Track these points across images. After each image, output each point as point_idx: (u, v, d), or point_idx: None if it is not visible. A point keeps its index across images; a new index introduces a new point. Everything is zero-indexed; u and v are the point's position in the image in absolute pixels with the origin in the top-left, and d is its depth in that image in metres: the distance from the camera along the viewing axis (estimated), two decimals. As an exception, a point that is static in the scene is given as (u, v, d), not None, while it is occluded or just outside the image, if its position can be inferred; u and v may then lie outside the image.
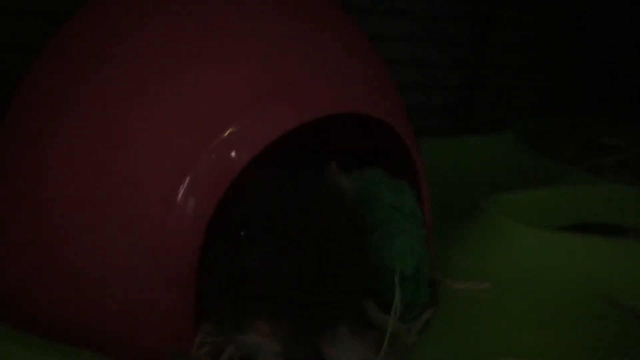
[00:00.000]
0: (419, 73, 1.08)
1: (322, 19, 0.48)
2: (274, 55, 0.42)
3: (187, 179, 0.38)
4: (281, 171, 0.41)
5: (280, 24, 0.45)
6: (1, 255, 0.42)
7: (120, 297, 0.39)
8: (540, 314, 0.54)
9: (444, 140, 0.98)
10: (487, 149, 0.98)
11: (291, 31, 0.45)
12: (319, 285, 0.37)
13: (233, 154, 0.39)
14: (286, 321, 0.35)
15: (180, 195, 0.38)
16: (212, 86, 0.40)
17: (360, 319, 0.47)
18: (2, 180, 0.43)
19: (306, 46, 0.45)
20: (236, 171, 0.39)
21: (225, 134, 0.39)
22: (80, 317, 0.39)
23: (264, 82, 0.41)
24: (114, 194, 0.39)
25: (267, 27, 0.44)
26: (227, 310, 0.37)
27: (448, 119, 1.15)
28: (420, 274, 0.48)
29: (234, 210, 0.38)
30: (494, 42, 1.13)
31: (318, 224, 0.38)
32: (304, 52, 0.44)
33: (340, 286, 0.39)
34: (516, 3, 1.13)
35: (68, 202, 0.39)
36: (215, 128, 0.39)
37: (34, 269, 0.40)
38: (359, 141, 0.54)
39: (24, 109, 0.44)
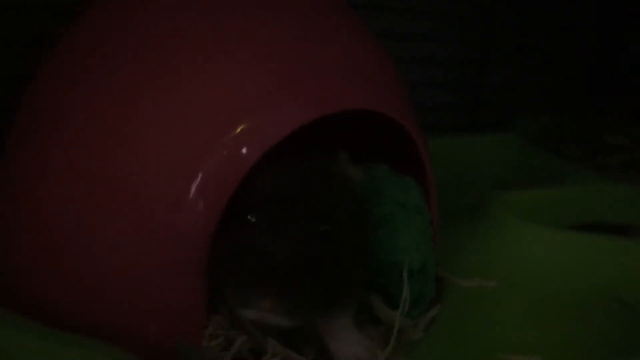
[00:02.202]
0: (424, 70, 1.08)
1: (330, 17, 0.49)
2: (283, 53, 0.43)
3: (199, 176, 0.38)
4: (290, 157, 0.42)
5: (290, 22, 0.45)
6: (15, 249, 0.42)
7: (131, 291, 0.39)
8: (546, 312, 0.54)
9: (450, 139, 0.99)
10: (492, 147, 0.98)
11: (300, 29, 0.45)
12: (323, 267, 0.38)
13: (244, 150, 0.39)
14: (293, 299, 0.36)
15: (191, 192, 0.38)
16: (222, 84, 0.41)
17: (366, 314, 0.47)
18: (16, 177, 0.43)
19: (315, 44, 0.45)
20: (247, 168, 0.39)
21: (236, 131, 0.39)
22: (91, 312, 0.40)
23: (274, 79, 0.41)
24: (125, 190, 0.39)
25: (276, 24, 0.44)
26: (236, 289, 0.37)
27: (454, 117, 1.15)
28: (426, 269, 0.48)
29: (242, 192, 0.39)
30: (499, 40, 1.12)
31: (324, 207, 0.39)
32: (313, 50, 0.44)
33: (344, 270, 0.40)
34: (521, 1, 1.12)
35: (79, 198, 0.40)
36: (226, 125, 0.39)
37: (46, 264, 0.40)
38: (367, 138, 0.54)
39: (35, 106, 0.44)
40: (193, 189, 0.38)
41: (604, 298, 0.56)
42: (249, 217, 0.38)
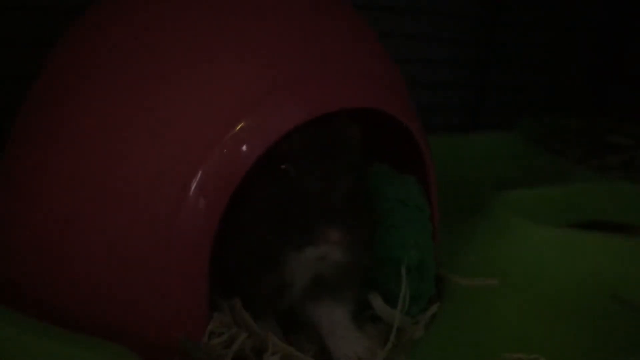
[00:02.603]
0: (426, 71, 1.08)
1: (331, 16, 0.49)
2: (283, 52, 0.43)
3: (199, 174, 0.39)
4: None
5: (290, 21, 0.45)
6: (15, 248, 0.43)
7: (132, 289, 0.39)
8: (547, 311, 0.54)
9: (452, 138, 0.99)
10: (494, 147, 0.98)
11: (300, 28, 0.45)
12: (359, 202, 0.41)
13: (244, 148, 0.39)
14: (351, 229, 0.39)
15: (192, 189, 0.39)
16: (222, 82, 0.41)
17: (366, 312, 0.47)
18: (16, 176, 0.44)
19: (316, 43, 0.45)
20: (247, 166, 0.39)
21: (237, 129, 0.39)
22: (92, 310, 0.40)
23: (274, 77, 0.41)
24: (127, 188, 0.39)
25: (276, 24, 0.44)
26: (291, 232, 0.39)
27: (456, 117, 1.15)
28: (424, 266, 0.48)
29: (272, 151, 0.40)
30: (501, 40, 1.12)
31: (346, 158, 0.41)
32: (314, 49, 0.45)
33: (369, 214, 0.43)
34: (524, 2, 1.12)
35: (83, 196, 0.40)
36: (226, 123, 0.40)
37: (47, 263, 0.41)
38: (369, 138, 0.54)
39: (40, 106, 0.45)
40: (193, 187, 0.39)
41: (604, 297, 0.56)
42: (282, 167, 0.40)
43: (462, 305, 0.53)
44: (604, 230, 0.65)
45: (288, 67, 0.42)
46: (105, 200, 0.39)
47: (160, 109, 0.40)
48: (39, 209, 0.41)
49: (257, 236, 0.40)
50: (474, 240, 0.64)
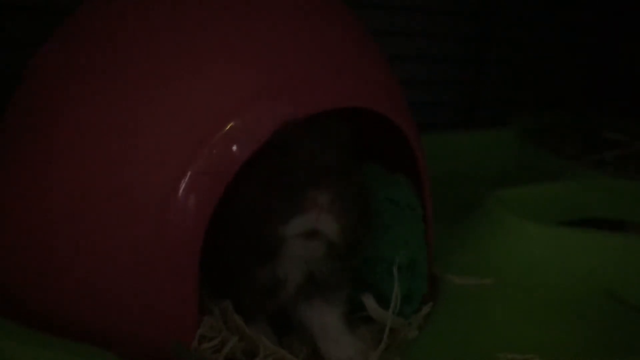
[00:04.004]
0: (422, 68, 1.08)
1: (323, 15, 0.48)
2: (273, 51, 0.43)
3: (188, 174, 0.38)
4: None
5: (281, 20, 0.45)
6: (5, 250, 0.42)
7: (121, 292, 0.39)
8: (542, 309, 0.54)
9: (447, 136, 0.99)
10: (489, 144, 0.98)
11: (291, 27, 0.45)
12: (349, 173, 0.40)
13: (234, 148, 0.39)
14: (343, 197, 0.38)
15: (181, 190, 0.38)
16: (212, 82, 0.41)
17: (358, 313, 0.47)
18: (7, 175, 0.43)
19: (306, 41, 0.45)
20: (237, 166, 0.39)
21: (226, 129, 0.39)
22: (81, 312, 0.40)
23: (264, 77, 0.41)
24: (115, 189, 0.39)
25: (267, 23, 0.44)
26: (283, 204, 0.38)
27: (451, 114, 1.15)
28: (415, 265, 0.48)
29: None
30: (496, 37, 1.12)
31: (338, 140, 0.41)
32: (304, 48, 0.44)
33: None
34: (518, -2, 1.13)
35: (70, 196, 0.40)
36: (215, 123, 0.39)
37: (35, 264, 0.40)
38: (362, 137, 0.54)
39: (28, 105, 0.44)
40: (182, 187, 0.38)
41: (600, 295, 0.56)
42: (273, 153, 0.39)
43: (456, 304, 0.52)
44: (599, 227, 0.65)
45: (278, 67, 0.42)
46: (93, 201, 0.39)
47: (150, 108, 0.40)
48: (26, 209, 0.41)
49: (248, 224, 0.39)
50: (468, 238, 0.64)
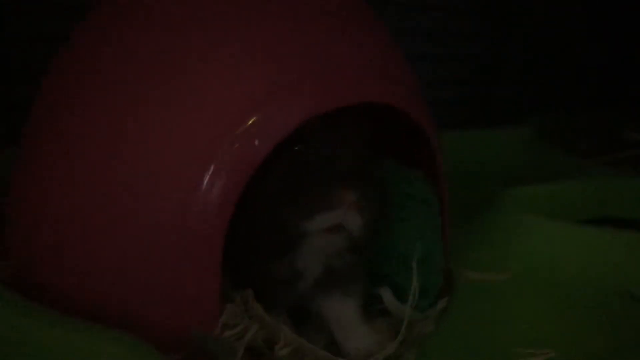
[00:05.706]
0: (437, 67, 1.08)
1: (343, 12, 0.49)
2: (295, 47, 0.43)
3: (212, 168, 0.39)
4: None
5: (301, 17, 0.45)
6: (31, 240, 0.43)
7: (145, 281, 0.40)
8: (558, 306, 0.54)
9: (462, 134, 0.98)
10: (504, 142, 0.98)
11: (311, 24, 0.45)
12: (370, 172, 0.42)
13: (256, 142, 0.40)
14: (366, 193, 0.39)
15: (205, 184, 0.39)
16: (233, 78, 0.41)
17: (375, 305, 0.48)
18: (34, 171, 0.44)
19: (328, 38, 0.45)
20: (259, 160, 0.39)
21: (249, 123, 0.40)
22: (105, 301, 0.41)
23: (286, 72, 0.42)
24: (141, 183, 0.40)
25: (288, 20, 0.44)
26: (308, 203, 0.39)
27: (466, 112, 1.15)
28: (431, 259, 0.49)
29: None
30: (511, 36, 1.12)
31: (359, 136, 0.42)
32: (324, 44, 0.45)
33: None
34: (536, -3, 1.12)
35: (96, 189, 0.41)
36: (238, 117, 0.40)
37: (64, 254, 0.42)
38: (380, 133, 0.54)
39: (51, 104, 0.45)
40: (205, 181, 0.39)
41: (616, 293, 0.56)
42: (296, 148, 0.40)
43: (472, 299, 0.53)
44: (616, 226, 0.65)
45: (299, 63, 0.43)
46: (119, 195, 0.40)
47: (172, 104, 0.40)
48: (54, 204, 0.42)
49: (271, 217, 0.40)
50: (485, 235, 0.64)
